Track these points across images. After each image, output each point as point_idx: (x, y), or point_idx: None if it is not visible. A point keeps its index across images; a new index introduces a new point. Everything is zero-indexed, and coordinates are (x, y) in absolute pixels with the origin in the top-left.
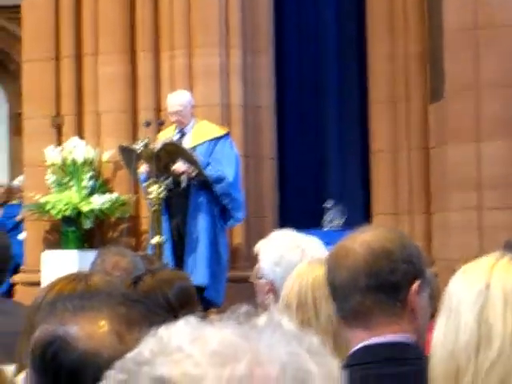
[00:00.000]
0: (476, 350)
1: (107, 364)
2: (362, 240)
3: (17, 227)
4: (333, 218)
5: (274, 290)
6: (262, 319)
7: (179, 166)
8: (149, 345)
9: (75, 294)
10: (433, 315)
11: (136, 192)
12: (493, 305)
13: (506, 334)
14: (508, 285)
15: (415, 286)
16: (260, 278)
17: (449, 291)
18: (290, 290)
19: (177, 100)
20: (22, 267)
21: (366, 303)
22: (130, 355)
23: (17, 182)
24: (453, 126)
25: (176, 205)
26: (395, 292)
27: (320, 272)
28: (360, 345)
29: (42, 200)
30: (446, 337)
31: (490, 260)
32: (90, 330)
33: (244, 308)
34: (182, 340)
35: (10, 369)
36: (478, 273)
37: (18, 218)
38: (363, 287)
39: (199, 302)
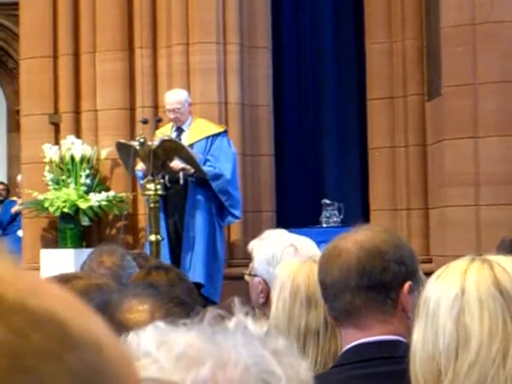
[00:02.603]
0: (455, 352)
1: None
2: (355, 240)
3: (14, 222)
4: (330, 215)
5: (266, 289)
6: (230, 322)
7: (176, 164)
8: None
9: None
10: None
11: (134, 189)
12: (469, 308)
13: (482, 336)
14: (482, 288)
15: (406, 285)
16: (253, 276)
17: (425, 296)
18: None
19: (174, 98)
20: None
21: (356, 302)
22: None
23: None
24: (450, 123)
25: (173, 202)
26: (386, 291)
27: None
28: (351, 344)
29: (40, 197)
30: (426, 340)
31: (463, 264)
32: None
33: (214, 311)
34: (150, 345)
35: None
36: (453, 278)
37: (13, 209)
38: (354, 286)
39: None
